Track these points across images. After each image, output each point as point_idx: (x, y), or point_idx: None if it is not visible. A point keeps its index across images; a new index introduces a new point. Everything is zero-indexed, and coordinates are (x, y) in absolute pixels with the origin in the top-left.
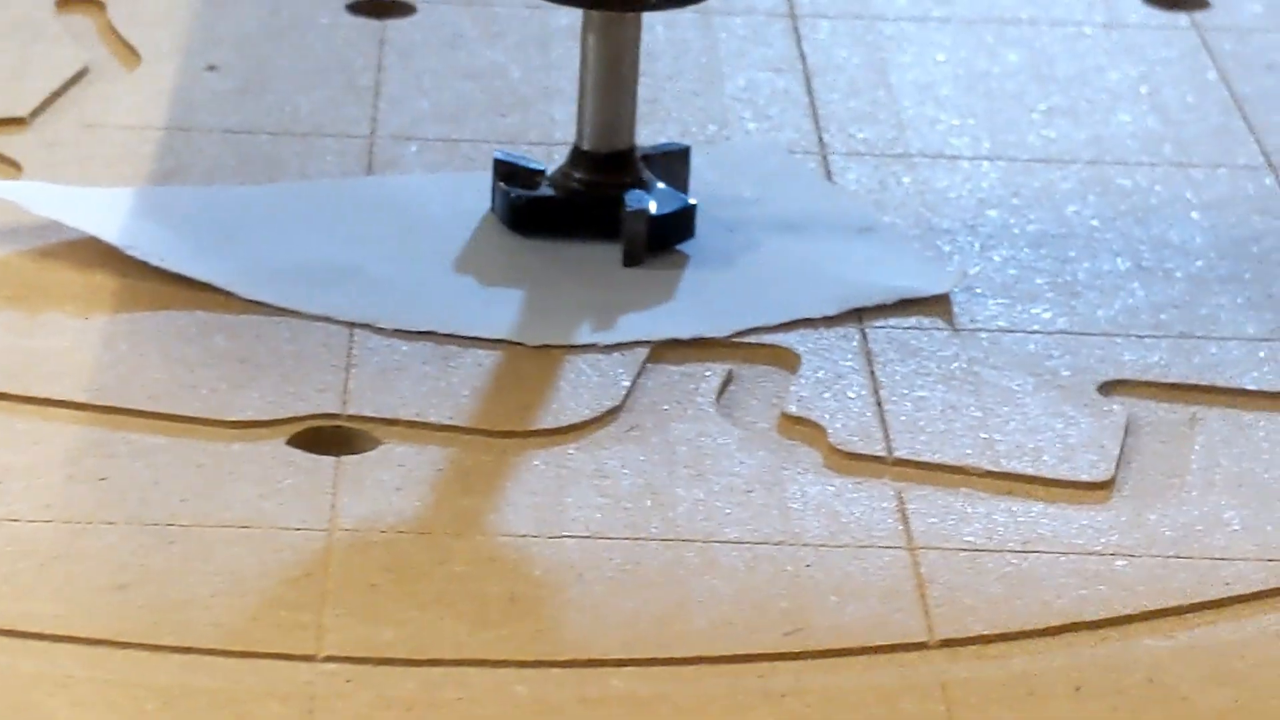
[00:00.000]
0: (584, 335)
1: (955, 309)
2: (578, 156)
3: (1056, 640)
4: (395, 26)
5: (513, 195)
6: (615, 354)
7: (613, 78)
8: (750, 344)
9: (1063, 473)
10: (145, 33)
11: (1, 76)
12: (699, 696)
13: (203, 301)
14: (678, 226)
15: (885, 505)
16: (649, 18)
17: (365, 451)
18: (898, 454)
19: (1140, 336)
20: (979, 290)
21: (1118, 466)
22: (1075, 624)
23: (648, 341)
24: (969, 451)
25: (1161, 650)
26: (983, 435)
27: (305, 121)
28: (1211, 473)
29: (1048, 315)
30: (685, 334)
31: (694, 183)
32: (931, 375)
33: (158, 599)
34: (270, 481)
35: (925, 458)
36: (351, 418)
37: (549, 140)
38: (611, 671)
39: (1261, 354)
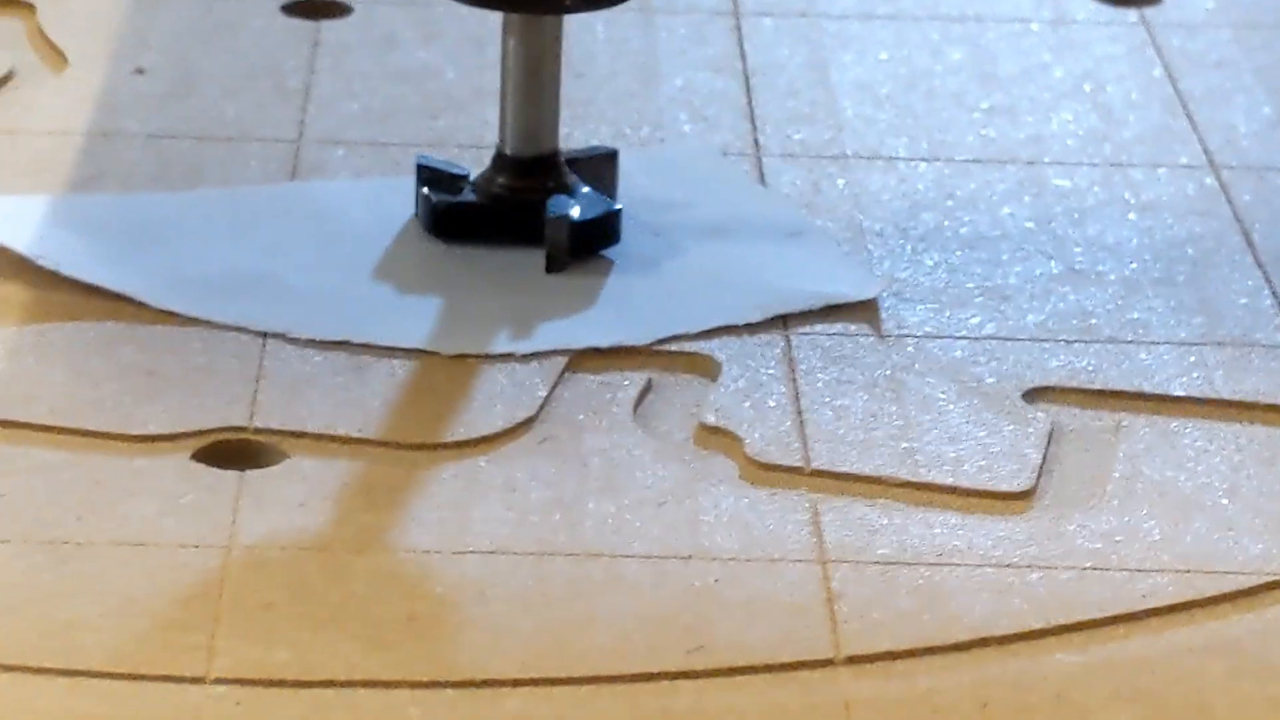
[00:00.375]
0: (501, 344)
1: (883, 315)
2: (501, 161)
3: (965, 656)
4: (330, 28)
5: (434, 201)
6: (533, 363)
7: (534, 81)
8: (671, 352)
9: (982, 483)
10: (74, 36)
11: None
12: (596, 718)
13: (114, 312)
14: (601, 232)
15: (799, 517)
16: (589, 18)
17: (271, 466)
18: (815, 465)
19: (1069, 342)
20: (908, 295)
21: (1039, 476)
22: (984, 639)
23: (566, 350)
24: (888, 462)
25: (1072, 666)
26: (903, 445)
27: (231, 126)
28: (1134, 482)
29: (976, 320)
30: (605, 342)
31: (625, 186)
32: (854, 383)
33: (45, 620)
34: (171, 497)
35: (843, 468)
36: (259, 431)
37: (480, 143)
38: (508, 692)
39: (1191, 359)
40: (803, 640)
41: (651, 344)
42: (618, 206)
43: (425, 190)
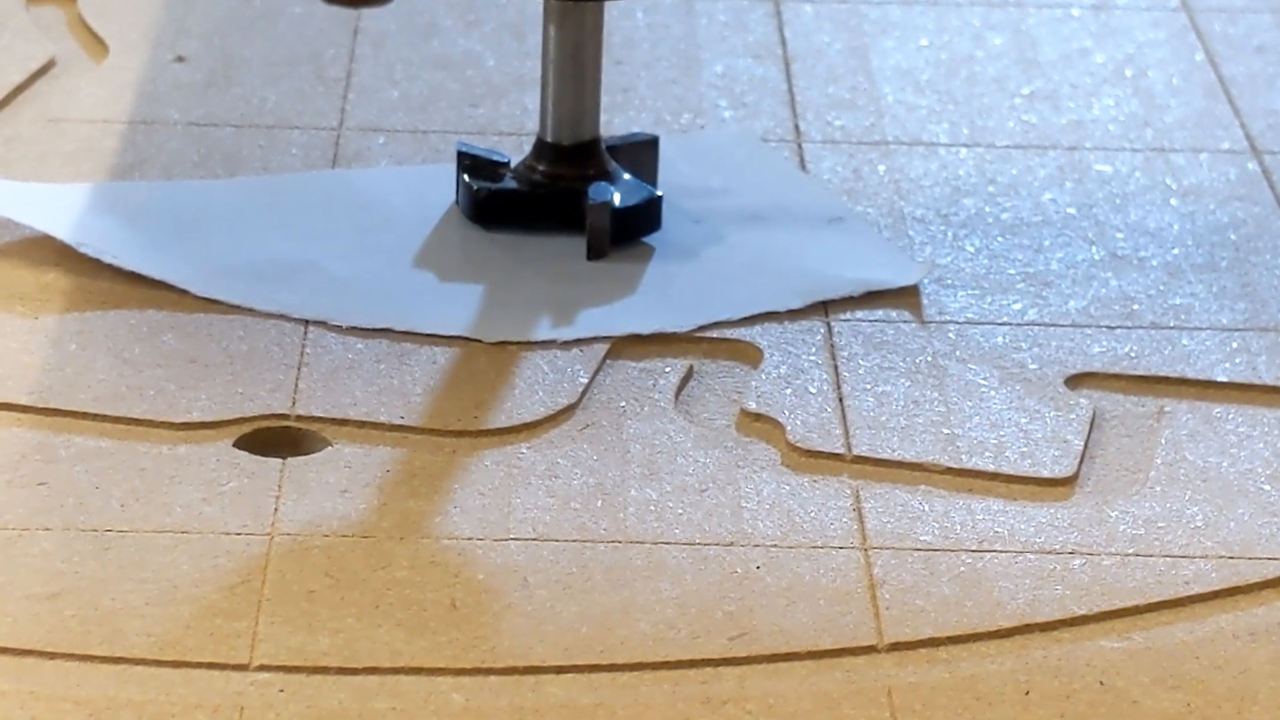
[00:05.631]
0: (543, 331)
1: (924, 301)
2: (541, 148)
3: (1007, 643)
4: (370, 15)
5: (475, 188)
6: (574, 350)
7: (575, 68)
8: (712, 338)
9: (1024, 469)
10: (115, 24)
11: None
12: (638, 704)
13: (156, 300)
14: (643, 219)
15: (841, 504)
16: (629, 5)
17: (314, 453)
18: (857, 451)
19: (1111, 328)
20: (949, 281)
21: (1081, 462)
22: (1027, 626)
23: (608, 337)
24: (930, 448)
25: (1114, 652)
26: (944, 431)
27: (271, 114)
28: (1176, 467)
29: (1018, 306)
30: (646, 329)
31: (665, 173)
32: (896, 369)
33: (89, 608)
34: (213, 485)
35: (884, 455)
36: (300, 418)
37: (521, 130)
38: (550, 679)
39: (1234, 344)
40: (845, 627)
41: (692, 330)
42: (658, 193)
43: (466, 177)
